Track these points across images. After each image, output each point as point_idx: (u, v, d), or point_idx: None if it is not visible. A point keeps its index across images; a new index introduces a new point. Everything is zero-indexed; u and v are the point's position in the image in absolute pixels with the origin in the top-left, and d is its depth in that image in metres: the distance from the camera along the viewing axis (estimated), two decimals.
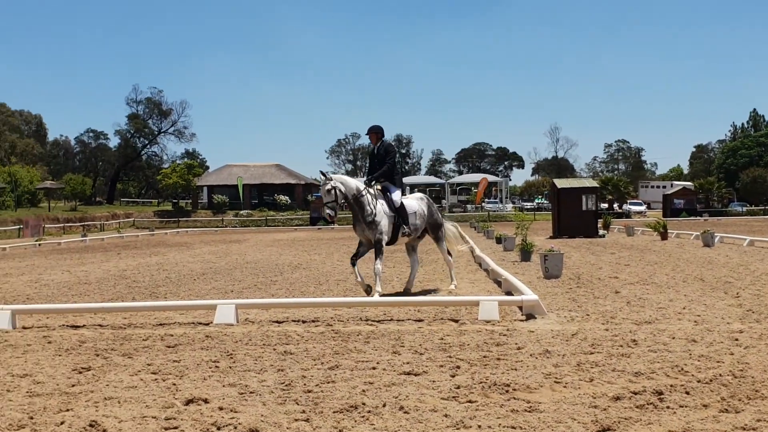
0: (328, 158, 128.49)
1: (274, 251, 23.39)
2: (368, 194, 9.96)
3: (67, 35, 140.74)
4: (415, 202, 10.47)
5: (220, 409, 4.48)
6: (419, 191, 74.22)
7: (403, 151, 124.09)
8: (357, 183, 10.22)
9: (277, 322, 8.06)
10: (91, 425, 4.11)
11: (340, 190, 9.94)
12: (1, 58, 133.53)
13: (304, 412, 4.41)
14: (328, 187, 9.90)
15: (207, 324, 7.93)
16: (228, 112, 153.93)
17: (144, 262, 19.38)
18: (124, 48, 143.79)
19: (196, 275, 14.95)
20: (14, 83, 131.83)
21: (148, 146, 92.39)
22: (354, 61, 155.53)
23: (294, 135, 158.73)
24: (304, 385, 5.08)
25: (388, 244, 10.03)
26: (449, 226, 11.18)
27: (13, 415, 4.37)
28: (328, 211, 9.86)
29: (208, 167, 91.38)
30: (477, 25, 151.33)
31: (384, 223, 9.90)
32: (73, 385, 5.14)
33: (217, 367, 5.70)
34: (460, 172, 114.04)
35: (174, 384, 5.12)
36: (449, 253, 10.89)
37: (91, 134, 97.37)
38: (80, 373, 5.55)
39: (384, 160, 10.26)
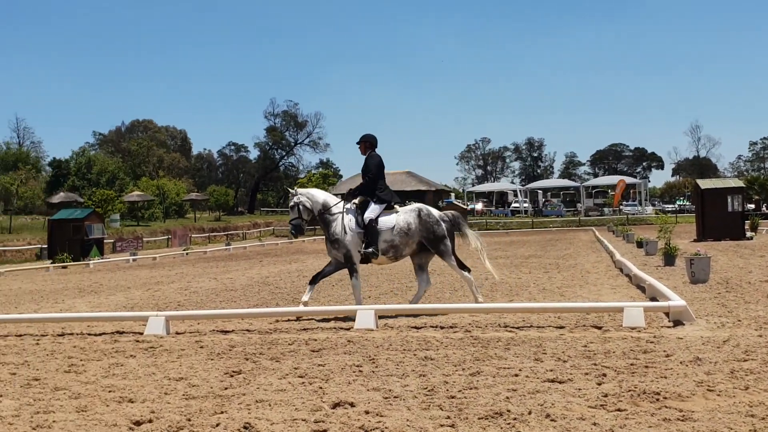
0: (458, 164, 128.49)
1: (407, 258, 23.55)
2: (339, 210, 9.66)
3: (209, 54, 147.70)
4: (399, 217, 9.65)
5: (366, 412, 4.56)
6: (552, 194, 72.07)
7: (535, 155, 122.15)
8: (326, 198, 9.94)
9: (415, 327, 8.12)
10: (245, 427, 4.28)
11: (303, 206, 9.78)
12: (150, 77, 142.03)
13: (449, 417, 4.41)
14: (291, 203, 9.84)
15: (348, 329, 8.10)
16: (360, 121, 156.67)
17: (285, 269, 20.02)
18: (261, 63, 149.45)
19: (334, 281, 15.27)
20: (161, 101, 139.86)
21: (285, 157, 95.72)
22: (483, 66, 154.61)
23: (424, 142, 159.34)
24: (447, 390, 5.08)
25: (361, 262, 9.58)
26: (473, 240, 9.98)
27: (172, 417, 4.61)
28: (291, 229, 9.92)
29: (341, 176, 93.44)
30: (610, 25, 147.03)
31: (349, 240, 9.46)
32: (225, 388, 5.37)
33: (360, 371, 5.81)
34: (596, 175, 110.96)
35: (320, 387, 5.26)
36: (465, 268, 9.74)
37: (232, 147, 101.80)
38: (232, 376, 5.79)
39: (365, 173, 9.80)
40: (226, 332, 8.26)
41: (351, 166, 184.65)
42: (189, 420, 4.51)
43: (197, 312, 9.40)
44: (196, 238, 53.52)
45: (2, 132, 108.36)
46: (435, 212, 9.85)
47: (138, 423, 4.49)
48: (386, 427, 4.22)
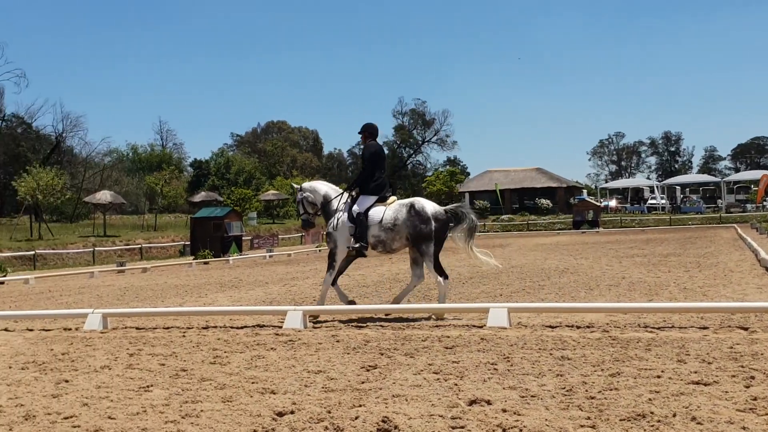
0: (590, 159, 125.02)
1: (539, 255, 23.17)
2: (339, 202, 9.59)
3: (338, 55, 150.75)
4: (388, 211, 9.34)
5: (504, 411, 4.52)
6: (691, 190, 68.45)
7: (672, 149, 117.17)
8: (327, 190, 9.89)
9: (550, 326, 7.97)
10: (383, 421, 4.34)
11: (307, 200, 9.86)
12: (283, 80, 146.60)
13: (588, 418, 4.31)
14: (297, 198, 9.90)
15: (481, 327, 8.05)
16: (487, 118, 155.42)
17: None
18: (390, 62, 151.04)
19: (464, 278, 15.23)
20: (294, 102, 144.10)
21: (413, 155, 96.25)
22: (613, 60, 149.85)
23: (555, 138, 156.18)
24: (586, 391, 4.96)
25: (357, 256, 9.45)
26: (459, 238, 9.54)
27: (312, 408, 4.73)
28: (302, 224, 9.92)
29: (468, 173, 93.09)
30: (752, 13, 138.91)
31: (338, 234, 9.36)
32: (362, 382, 5.46)
33: (495, 369, 5.76)
34: (737, 169, 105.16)
35: (456, 384, 5.25)
36: (443, 274, 9.37)
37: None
38: (368, 370, 5.88)
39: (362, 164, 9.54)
40: (360, 327, 8.39)
41: (479, 163, 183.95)
42: (329, 412, 4.62)
43: (333, 307, 9.60)
44: None
45: (147, 134, 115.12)
46: (430, 209, 9.32)
47: (280, 414, 4.64)
48: (524, 426, 4.17)
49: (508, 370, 5.71)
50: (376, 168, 9.55)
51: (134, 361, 6.68)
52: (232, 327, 8.90)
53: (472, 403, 4.73)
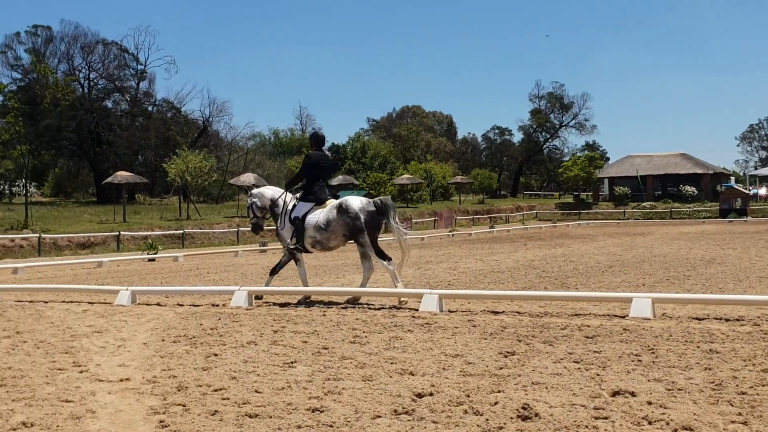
0: (738, 145, 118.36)
1: (683, 245, 22.20)
2: (285, 205, 10.49)
3: (473, 40, 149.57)
4: (320, 214, 10.15)
5: (649, 403, 4.37)
6: None
7: None
8: (272, 194, 10.72)
9: (696, 318, 7.63)
10: (523, 407, 4.29)
11: (256, 205, 10.75)
12: (418, 65, 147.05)
13: (740, 414, 4.10)
14: (248, 204, 10.80)
15: (623, 317, 7.81)
16: (629, 102, 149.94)
17: (550, 253, 19.78)
18: (526, 45, 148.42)
19: (604, 267, 14.82)
20: (428, 87, 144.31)
21: (550, 140, 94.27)
22: (765, 41, 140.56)
23: (701, 122, 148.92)
24: (737, 386, 4.72)
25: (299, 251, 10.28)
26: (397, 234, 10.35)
27: (451, 392, 4.75)
28: (251, 228, 11.12)
29: (608, 159, 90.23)
30: None
31: (285, 233, 10.36)
32: (500, 368, 5.42)
33: (639, 360, 5.58)
34: None
35: (597, 374, 5.13)
36: (386, 258, 10.14)
37: (496, 131, 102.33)
38: (506, 356, 5.84)
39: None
40: (496, 313, 8.34)
41: (619, 148, 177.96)
42: (468, 396, 4.62)
43: (468, 291, 9.59)
44: (461, 220, 54.63)
45: (288, 119, 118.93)
46: (355, 205, 10.00)
47: (420, 395, 4.68)
48: (671, 420, 4.01)
49: (653, 362, 5.52)
50: (313, 176, 10.40)
51: (278, 338, 6.93)
52: (369, 307, 9.07)
53: (615, 394, 4.61)
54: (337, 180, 57.46)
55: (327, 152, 10.88)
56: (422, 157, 79.60)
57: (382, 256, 10.12)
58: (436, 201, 66.37)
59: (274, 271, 10.78)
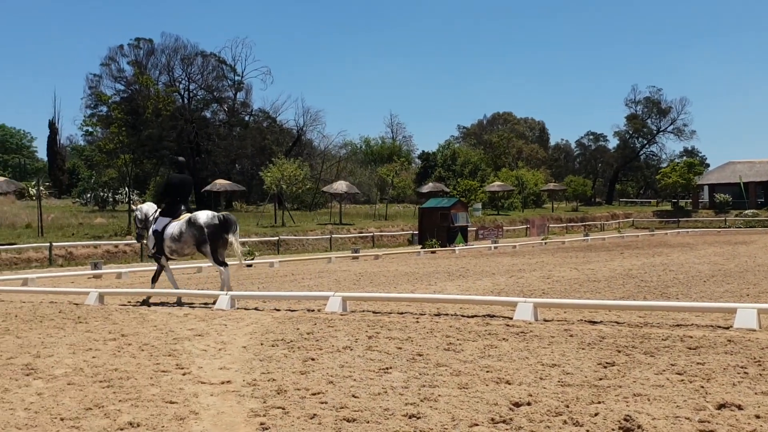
0: None
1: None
2: (155, 219, 12.20)
3: (566, 45, 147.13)
4: (174, 226, 11.77)
5: (757, 417, 4.19)
6: None
7: None
8: (148, 210, 12.53)
9: None
10: (625, 419, 4.18)
11: (137, 218, 12.67)
12: (509, 71, 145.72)
13: None
14: (133, 216, 12.65)
15: (726, 328, 7.52)
16: (730, 107, 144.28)
17: (648, 262, 19.22)
18: (621, 49, 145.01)
19: (705, 277, 14.31)
20: (520, 93, 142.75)
21: (647, 146, 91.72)
22: None
23: None
24: None
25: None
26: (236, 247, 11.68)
27: (549, 402, 4.67)
28: (135, 237, 13.04)
29: (708, 165, 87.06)
30: None
31: (150, 243, 12.23)
32: (600, 379, 5.30)
33: (745, 373, 5.35)
34: None
35: (702, 386, 4.94)
36: (224, 264, 11.64)
37: (590, 137, 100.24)
38: (605, 367, 5.70)
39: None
40: (594, 323, 8.16)
41: (720, 154, 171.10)
42: (567, 407, 4.53)
43: (564, 301, 9.41)
44: (554, 227, 53.74)
45: (379, 128, 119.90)
46: (201, 220, 11.57)
47: (517, 404, 4.63)
48: None
49: (760, 375, 5.28)
50: (171, 195, 12.06)
51: (373, 344, 6.97)
52: (462, 315, 9.02)
53: (721, 407, 4.43)
54: (427, 187, 57.50)
55: (186, 175, 12.50)
56: (513, 164, 78.79)
57: (220, 263, 11.66)
58: (528, 208, 65.51)
59: (154, 279, 12.68)
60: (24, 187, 47.05)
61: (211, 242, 11.52)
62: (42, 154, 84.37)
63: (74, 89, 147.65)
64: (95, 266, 20.89)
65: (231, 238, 11.57)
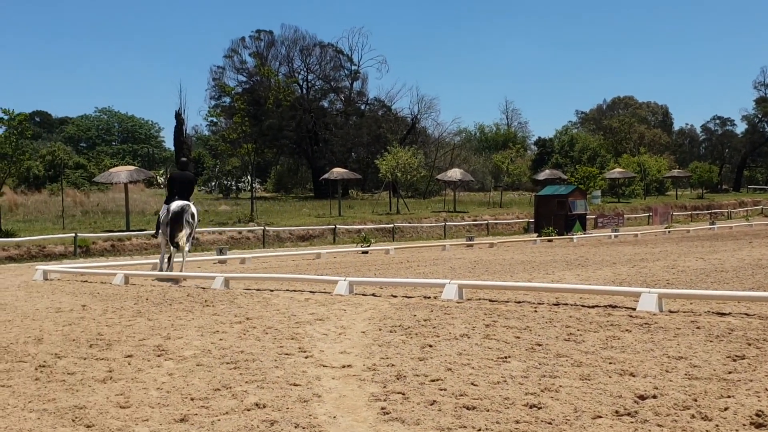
0: None
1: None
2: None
3: (688, 26, 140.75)
4: (163, 214, 14.17)
5: None
6: None
7: None
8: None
9: None
10: (757, 414, 4.00)
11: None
12: (632, 53, 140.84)
13: None
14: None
15: None
16: None
17: None
18: (749, 30, 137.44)
19: None
20: (642, 76, 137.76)
21: None
22: None
23: None
24: None
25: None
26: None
27: (676, 395, 4.52)
28: None
29: None
30: None
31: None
32: (729, 372, 5.08)
33: None
34: None
35: None
36: (176, 246, 13.84)
37: (717, 121, 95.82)
38: (735, 360, 5.45)
39: None
40: (722, 314, 7.80)
41: None
42: (695, 400, 4.37)
43: (690, 291, 9.05)
44: (678, 215, 51.74)
45: (494, 114, 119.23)
46: (171, 207, 13.70)
47: (642, 397, 4.50)
48: None
49: None
50: (170, 188, 14.34)
51: (491, 332, 6.94)
52: (582, 305, 8.82)
53: None
54: (543, 174, 56.48)
55: (187, 172, 14.79)
56: (635, 149, 76.19)
57: (175, 245, 13.71)
58: (651, 196, 63.32)
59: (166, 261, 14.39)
60: (153, 175, 49.38)
61: (171, 226, 13.69)
62: (169, 143, 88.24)
63: (199, 81, 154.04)
64: (220, 252, 21.72)
65: (184, 222, 13.62)
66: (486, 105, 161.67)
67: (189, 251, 14.73)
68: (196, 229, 15.07)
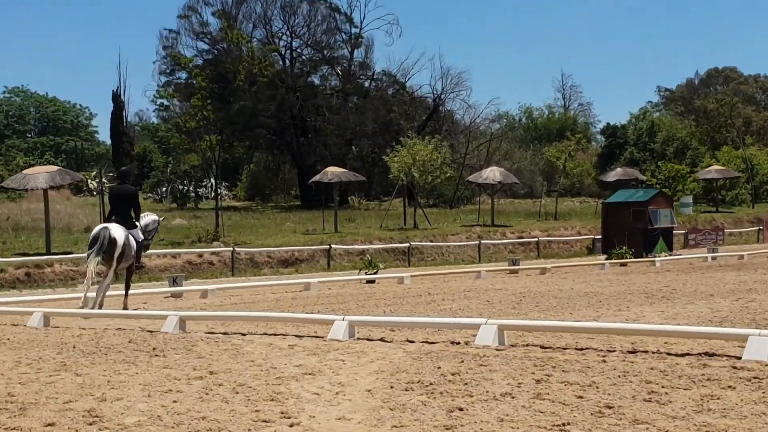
0: None
1: None
2: None
3: None
4: None
5: None
6: None
7: None
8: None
9: None
10: None
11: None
12: (730, 11, 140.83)
13: None
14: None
15: None
16: None
17: None
18: None
19: None
20: (747, 41, 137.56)
21: None
22: None
23: None
24: None
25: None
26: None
27: None
28: None
29: None
30: None
31: None
32: None
33: None
34: None
35: None
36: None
37: None
38: None
39: None
40: None
41: None
42: None
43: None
44: None
45: (546, 93, 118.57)
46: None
47: None
48: None
49: None
50: (111, 205, 16.30)
51: (542, 390, 6.92)
52: (668, 353, 8.79)
53: None
54: (613, 174, 56.51)
55: (126, 185, 16.41)
56: (738, 140, 76.10)
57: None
58: (761, 203, 63.13)
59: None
60: (82, 178, 49.55)
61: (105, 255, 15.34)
62: (104, 135, 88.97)
63: (145, 51, 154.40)
64: (174, 282, 21.78)
65: (92, 251, 15.18)
66: (534, 81, 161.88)
67: (109, 284, 16.07)
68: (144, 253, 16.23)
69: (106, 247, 15.06)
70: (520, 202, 62.82)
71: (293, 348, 9.78)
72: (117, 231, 15.23)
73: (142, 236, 16.27)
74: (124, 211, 15.86)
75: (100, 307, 15.33)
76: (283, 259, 31.40)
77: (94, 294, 15.49)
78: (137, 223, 16.17)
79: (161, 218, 18.85)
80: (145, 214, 17.30)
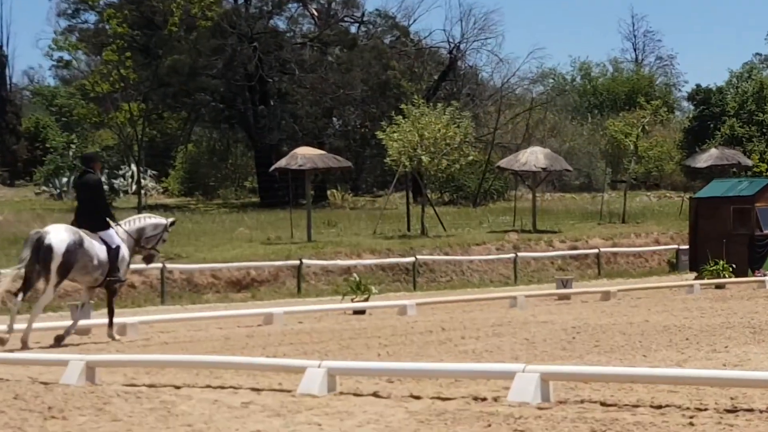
0: None
1: None
2: None
3: None
4: None
5: None
6: None
7: None
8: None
9: None
10: None
11: None
12: None
13: None
14: None
15: None
16: None
17: None
18: None
19: None
20: None
21: None
22: None
23: None
24: None
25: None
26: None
27: None
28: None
29: None
30: None
31: None
32: None
33: None
34: None
35: None
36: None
37: None
38: None
39: None
40: None
41: None
42: None
43: None
44: None
45: (609, 42, 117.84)
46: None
47: None
48: None
49: None
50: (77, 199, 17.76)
51: None
52: None
53: None
54: (706, 157, 56.31)
55: (90, 175, 17.20)
56: None
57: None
58: None
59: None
60: None
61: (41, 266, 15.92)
62: None
63: None
64: (78, 311, 21.69)
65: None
66: (593, 25, 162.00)
67: (42, 306, 17.06)
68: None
69: (40, 256, 15.26)
70: (573, 197, 62.91)
71: (248, 407, 9.76)
72: (59, 235, 15.42)
73: (118, 242, 16.69)
74: (87, 208, 16.62)
75: (24, 344, 15.73)
76: (235, 281, 31.36)
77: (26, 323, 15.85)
78: (114, 224, 16.67)
79: (170, 221, 19.03)
80: (145, 216, 18.29)
